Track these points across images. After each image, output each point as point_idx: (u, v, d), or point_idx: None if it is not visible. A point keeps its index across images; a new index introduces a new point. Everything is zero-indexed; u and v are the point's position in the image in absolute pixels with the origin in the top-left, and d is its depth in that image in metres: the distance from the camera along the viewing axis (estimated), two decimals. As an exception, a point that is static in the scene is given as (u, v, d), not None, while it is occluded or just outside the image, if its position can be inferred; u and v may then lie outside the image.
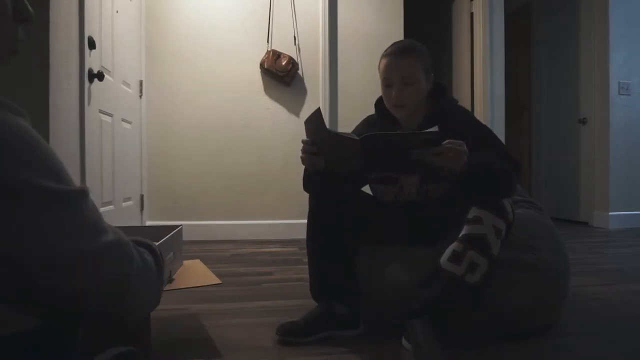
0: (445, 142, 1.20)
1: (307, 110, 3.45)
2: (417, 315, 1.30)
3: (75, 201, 0.51)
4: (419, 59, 1.40)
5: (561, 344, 1.39)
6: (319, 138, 1.32)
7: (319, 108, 1.28)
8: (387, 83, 1.42)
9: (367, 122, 1.60)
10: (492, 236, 1.28)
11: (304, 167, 1.43)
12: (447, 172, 1.26)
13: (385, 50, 1.44)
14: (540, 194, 4.79)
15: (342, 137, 1.27)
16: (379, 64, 1.45)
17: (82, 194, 0.53)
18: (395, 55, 1.41)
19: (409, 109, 1.43)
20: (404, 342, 1.32)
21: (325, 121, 1.27)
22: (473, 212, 1.31)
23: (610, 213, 3.97)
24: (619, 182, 3.99)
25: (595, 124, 4.13)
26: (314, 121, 1.29)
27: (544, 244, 1.52)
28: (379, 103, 1.53)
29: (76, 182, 2.17)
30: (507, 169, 1.32)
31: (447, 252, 1.31)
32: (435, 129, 1.18)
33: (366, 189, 1.59)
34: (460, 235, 1.31)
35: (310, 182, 1.46)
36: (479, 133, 1.42)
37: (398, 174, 1.49)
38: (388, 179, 1.52)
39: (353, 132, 1.57)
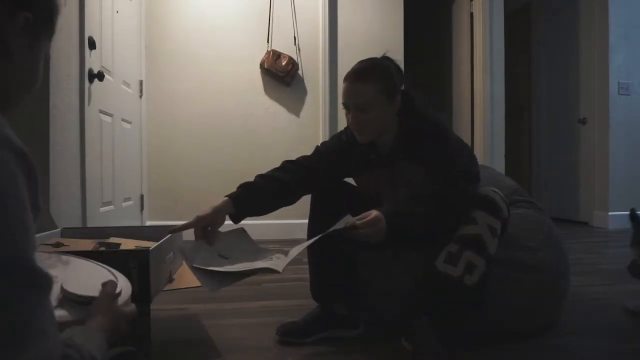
0: (358, 222, 1.21)
1: (307, 110, 3.45)
2: (416, 315, 1.31)
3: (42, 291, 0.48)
4: (377, 83, 1.31)
5: (561, 344, 1.39)
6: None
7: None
8: (345, 107, 1.37)
9: (339, 140, 1.50)
10: (488, 235, 1.28)
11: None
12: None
13: (348, 72, 1.37)
14: (540, 194, 4.79)
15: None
16: None
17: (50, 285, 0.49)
18: (350, 81, 1.33)
19: (370, 135, 1.36)
20: (404, 342, 1.32)
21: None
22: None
23: (610, 213, 3.97)
24: (618, 182, 3.98)
25: (595, 124, 4.12)
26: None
27: (544, 243, 1.52)
28: None
29: (76, 182, 2.17)
30: (445, 199, 1.27)
31: (443, 254, 1.31)
32: (348, 218, 1.24)
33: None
34: (454, 236, 1.31)
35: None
36: (436, 157, 1.32)
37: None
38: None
39: (327, 143, 1.53)
